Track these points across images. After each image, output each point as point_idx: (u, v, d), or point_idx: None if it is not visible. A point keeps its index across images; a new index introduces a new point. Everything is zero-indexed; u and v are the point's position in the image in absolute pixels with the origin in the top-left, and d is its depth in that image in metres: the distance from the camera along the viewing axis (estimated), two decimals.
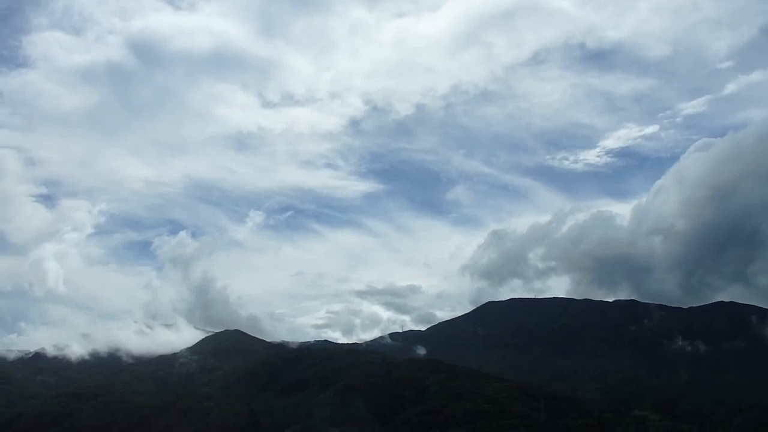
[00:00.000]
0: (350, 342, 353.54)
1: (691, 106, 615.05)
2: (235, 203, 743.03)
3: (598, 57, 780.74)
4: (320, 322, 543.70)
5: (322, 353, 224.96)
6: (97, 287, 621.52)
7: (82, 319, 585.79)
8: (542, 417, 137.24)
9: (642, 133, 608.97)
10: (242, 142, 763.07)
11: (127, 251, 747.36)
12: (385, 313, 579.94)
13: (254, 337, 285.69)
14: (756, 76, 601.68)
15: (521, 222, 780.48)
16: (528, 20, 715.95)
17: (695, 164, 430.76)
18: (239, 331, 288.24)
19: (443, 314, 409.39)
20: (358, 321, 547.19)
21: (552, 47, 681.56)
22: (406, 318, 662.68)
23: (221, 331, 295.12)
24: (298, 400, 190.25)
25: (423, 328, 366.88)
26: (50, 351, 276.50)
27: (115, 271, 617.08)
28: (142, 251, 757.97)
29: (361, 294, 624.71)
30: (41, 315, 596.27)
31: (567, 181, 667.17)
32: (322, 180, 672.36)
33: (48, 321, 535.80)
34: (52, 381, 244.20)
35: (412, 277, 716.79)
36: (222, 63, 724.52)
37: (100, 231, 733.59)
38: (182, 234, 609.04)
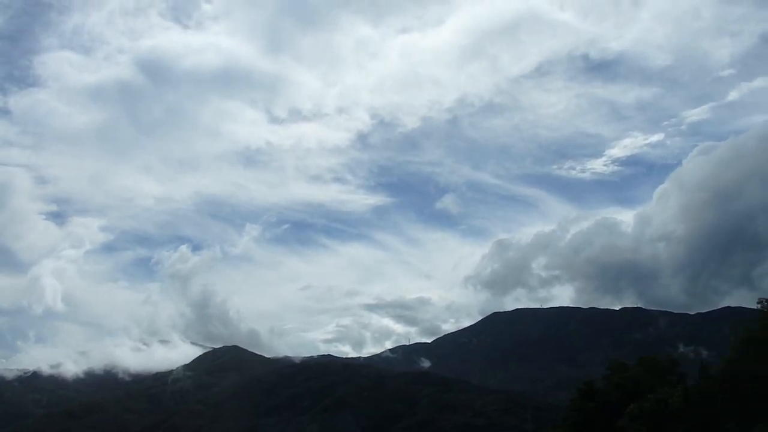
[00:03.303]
0: (359, 356, 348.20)
1: (696, 114, 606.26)
2: (244, 219, 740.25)
3: (602, 67, 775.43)
4: (330, 336, 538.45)
5: (317, 368, 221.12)
6: (107, 304, 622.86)
7: (87, 337, 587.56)
8: (529, 428, 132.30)
9: (647, 141, 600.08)
10: (251, 158, 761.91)
11: (137, 268, 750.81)
12: (395, 326, 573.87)
13: (252, 352, 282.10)
14: (758, 82, 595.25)
15: (531, 232, 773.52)
16: (531, 33, 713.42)
17: (697, 168, 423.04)
18: (237, 346, 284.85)
19: (450, 326, 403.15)
20: (368, 334, 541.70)
21: (555, 59, 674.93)
22: (413, 330, 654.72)
23: (219, 347, 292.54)
24: (290, 416, 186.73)
25: (429, 341, 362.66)
26: (46, 370, 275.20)
27: (125, 288, 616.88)
28: (152, 268, 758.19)
29: (371, 307, 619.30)
30: (47, 333, 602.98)
31: (576, 191, 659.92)
32: (330, 194, 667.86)
33: (53, 339, 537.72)
34: (44, 400, 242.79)
35: (422, 290, 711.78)
36: (230, 80, 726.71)
37: (110, 248, 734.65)
38: (183, 248, 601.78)
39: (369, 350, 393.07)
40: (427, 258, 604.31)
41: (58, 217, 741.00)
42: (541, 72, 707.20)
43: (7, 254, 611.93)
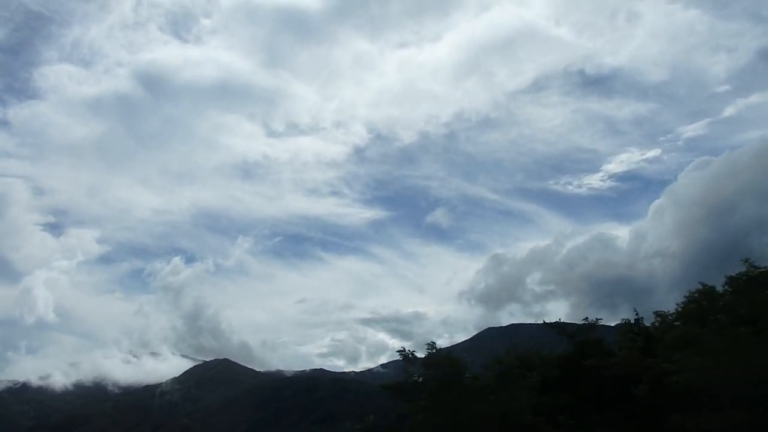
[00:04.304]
0: (352, 371, 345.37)
1: (692, 129, 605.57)
2: (241, 231, 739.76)
3: (598, 83, 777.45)
4: (325, 350, 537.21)
5: (307, 382, 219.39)
6: (101, 316, 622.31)
7: (80, 348, 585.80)
8: None
9: (644, 157, 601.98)
10: (248, 171, 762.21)
11: (133, 280, 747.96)
12: (390, 341, 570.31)
13: (242, 365, 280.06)
14: (754, 98, 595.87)
15: (527, 247, 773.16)
16: (527, 49, 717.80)
17: (692, 184, 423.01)
18: (227, 360, 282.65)
19: (444, 341, 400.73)
20: (363, 349, 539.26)
21: (552, 74, 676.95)
22: (408, 345, 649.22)
23: (209, 360, 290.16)
24: (277, 430, 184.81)
25: (423, 355, 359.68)
26: (34, 381, 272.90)
27: (121, 300, 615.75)
28: (147, 280, 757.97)
29: (366, 321, 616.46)
30: (41, 344, 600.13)
31: (573, 206, 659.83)
32: (327, 208, 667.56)
33: (45, 350, 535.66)
34: (32, 411, 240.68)
35: (417, 304, 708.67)
36: (228, 94, 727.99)
37: (106, 259, 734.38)
38: (176, 260, 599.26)
39: (364, 364, 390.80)
40: (423, 272, 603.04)
41: (55, 228, 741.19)
42: (537, 87, 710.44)
43: (4, 265, 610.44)
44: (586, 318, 52.03)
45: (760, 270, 36.19)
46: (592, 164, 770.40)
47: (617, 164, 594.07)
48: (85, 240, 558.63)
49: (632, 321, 48.51)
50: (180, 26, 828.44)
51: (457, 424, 40.13)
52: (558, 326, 49.28)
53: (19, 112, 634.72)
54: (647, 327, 46.10)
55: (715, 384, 32.61)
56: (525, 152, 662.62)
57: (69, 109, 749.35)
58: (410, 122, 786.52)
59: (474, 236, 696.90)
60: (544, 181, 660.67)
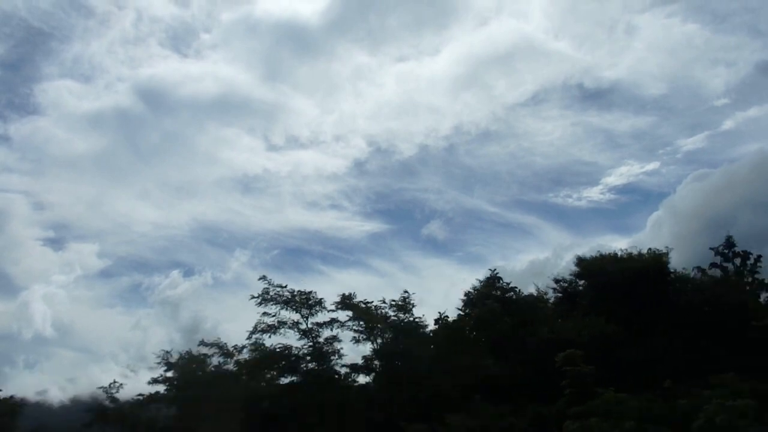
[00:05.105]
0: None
1: (691, 142, 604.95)
2: (241, 245, 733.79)
3: (597, 96, 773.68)
4: None
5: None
6: (100, 331, 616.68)
7: (78, 363, 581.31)
8: None
9: (643, 170, 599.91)
10: (248, 185, 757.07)
11: (134, 294, 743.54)
12: None
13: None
14: (753, 111, 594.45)
15: (526, 259, 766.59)
16: (526, 62, 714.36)
17: (690, 196, 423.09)
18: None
19: None
20: None
21: (551, 87, 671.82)
22: None
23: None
24: None
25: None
26: (32, 397, 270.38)
27: (121, 314, 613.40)
28: (145, 294, 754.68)
29: None
30: (38, 359, 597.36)
31: (572, 218, 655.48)
32: (327, 221, 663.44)
33: (43, 365, 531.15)
34: (28, 427, 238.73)
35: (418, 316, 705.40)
36: (228, 108, 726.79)
37: (107, 274, 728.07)
38: (174, 274, 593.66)
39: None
40: (423, 284, 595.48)
41: (55, 243, 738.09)
42: (536, 100, 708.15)
43: (4, 279, 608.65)
44: (326, 338, 49.58)
45: None
46: (591, 177, 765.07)
47: (617, 177, 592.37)
48: (85, 254, 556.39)
49: None
50: (180, 41, 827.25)
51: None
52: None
53: (19, 128, 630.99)
54: None
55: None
56: (524, 165, 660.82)
57: (69, 124, 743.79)
58: (410, 135, 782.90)
59: (474, 248, 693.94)
60: (543, 194, 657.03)
